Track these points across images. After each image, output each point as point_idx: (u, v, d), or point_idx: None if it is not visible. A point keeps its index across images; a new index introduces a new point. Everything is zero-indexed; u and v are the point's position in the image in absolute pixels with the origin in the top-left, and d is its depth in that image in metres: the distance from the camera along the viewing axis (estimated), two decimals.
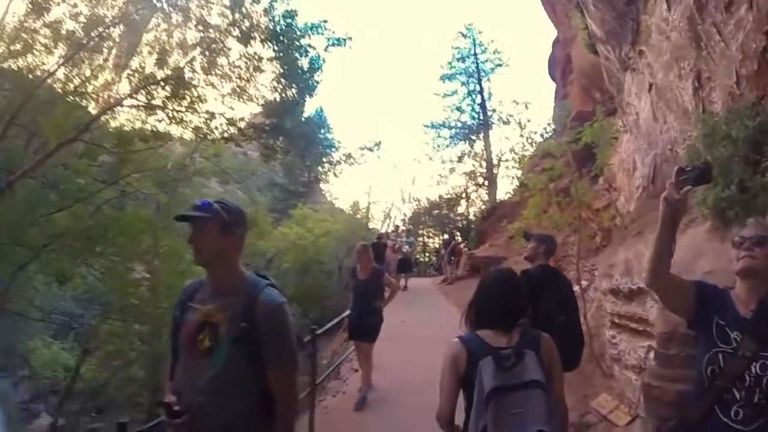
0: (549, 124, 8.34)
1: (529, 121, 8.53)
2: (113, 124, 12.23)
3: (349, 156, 26.46)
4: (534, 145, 8.45)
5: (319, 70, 12.66)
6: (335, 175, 35.19)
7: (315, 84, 12.80)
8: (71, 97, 11.08)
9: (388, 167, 62.05)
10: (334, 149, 34.37)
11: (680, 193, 2.08)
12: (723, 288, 2.27)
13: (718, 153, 4.02)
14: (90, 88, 11.50)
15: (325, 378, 7.56)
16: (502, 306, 2.49)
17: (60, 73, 11.36)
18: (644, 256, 5.03)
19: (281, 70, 11.91)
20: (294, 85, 12.31)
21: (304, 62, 12.12)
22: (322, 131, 34.32)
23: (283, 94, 12.33)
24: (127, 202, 13.74)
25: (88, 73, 11.80)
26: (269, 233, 21.18)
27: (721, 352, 2.05)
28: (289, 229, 22.65)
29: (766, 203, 3.62)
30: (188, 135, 12.94)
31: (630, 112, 7.62)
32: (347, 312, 7.41)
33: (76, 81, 11.52)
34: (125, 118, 12.24)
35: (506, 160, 30.59)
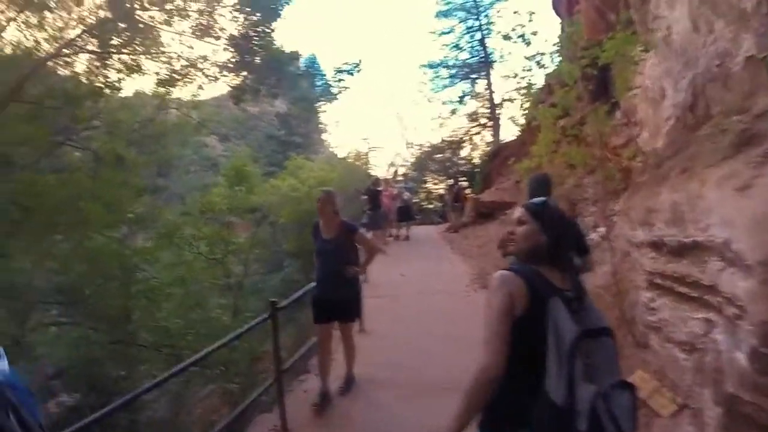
0: (554, 54, 7.11)
1: (534, 33, 7.50)
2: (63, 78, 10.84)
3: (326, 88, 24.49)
4: (541, 67, 6.90)
5: None
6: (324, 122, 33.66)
7: (281, 6, 11.32)
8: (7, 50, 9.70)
9: (390, 114, 60.68)
10: (332, 97, 32.78)
11: None
12: None
13: None
14: (31, 40, 10.05)
15: (299, 358, 6.15)
16: (567, 241, 2.21)
17: None
18: (701, 198, 3.79)
19: None
20: (256, 13, 10.76)
21: None
22: (317, 79, 32.71)
23: (246, 23, 10.84)
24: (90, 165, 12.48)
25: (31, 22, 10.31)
26: (259, 186, 20.08)
27: None
28: (282, 181, 21.53)
29: None
30: (148, 85, 11.69)
31: (658, 27, 6.29)
32: (312, 285, 5.60)
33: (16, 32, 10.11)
34: (77, 70, 10.85)
35: (508, 99, 28.96)
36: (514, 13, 7.19)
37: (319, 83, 32.59)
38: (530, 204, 2.25)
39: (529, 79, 7.13)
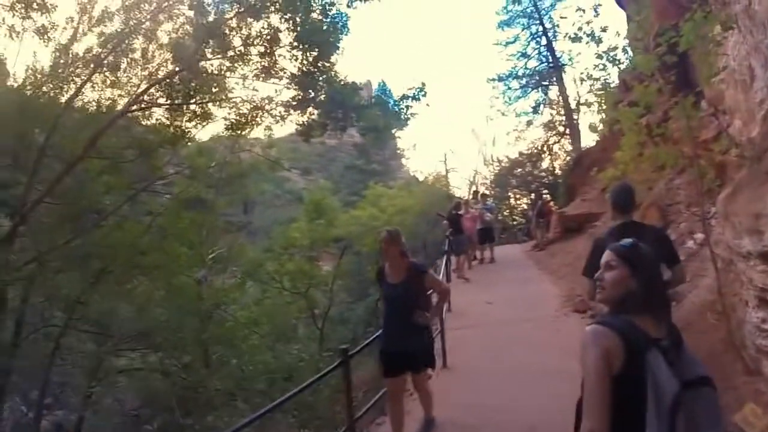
0: (626, 47, 6.48)
1: (604, 30, 6.91)
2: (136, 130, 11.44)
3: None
4: (616, 64, 6.26)
5: (345, 29, 11.28)
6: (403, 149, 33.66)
7: (338, 42, 11.32)
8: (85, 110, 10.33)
9: (465, 132, 60.08)
10: (402, 123, 32.79)
11: None
12: None
13: None
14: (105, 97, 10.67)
15: (368, 410, 5.59)
16: (659, 285, 2.06)
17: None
18: None
19: (296, 34, 10.52)
20: (315, 49, 10.81)
21: (323, 22, 10.68)
22: (387, 107, 32.89)
23: (305, 61, 10.91)
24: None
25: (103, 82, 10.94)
26: (338, 219, 20.23)
27: None
28: (363, 211, 21.65)
29: None
30: (216, 129, 12.05)
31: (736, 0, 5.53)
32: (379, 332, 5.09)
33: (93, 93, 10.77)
34: (150, 122, 11.39)
35: (585, 103, 27.67)
36: (577, 10, 6.63)
37: (389, 110, 32.79)
38: (618, 246, 2.07)
39: (605, 78, 6.49)
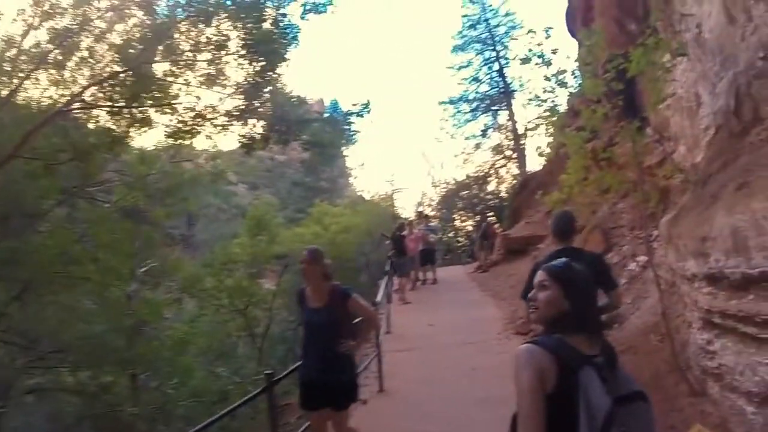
0: (576, 71, 6.60)
1: (554, 52, 6.98)
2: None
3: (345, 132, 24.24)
4: (565, 87, 6.22)
5: (295, 40, 11.10)
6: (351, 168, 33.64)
7: (286, 52, 11.10)
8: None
9: (415, 154, 60.81)
10: (351, 140, 32.79)
11: None
12: None
13: None
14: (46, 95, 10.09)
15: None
16: (594, 306, 2.11)
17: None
18: None
19: (245, 43, 10.25)
20: (262, 58, 10.54)
21: (273, 32, 10.45)
22: (334, 124, 32.85)
23: (251, 71, 10.63)
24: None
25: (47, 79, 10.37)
26: (281, 236, 19.79)
27: None
28: (306, 228, 21.29)
29: None
30: (156, 137, 11.56)
31: (686, 27, 5.69)
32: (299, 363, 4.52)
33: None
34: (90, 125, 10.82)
35: (533, 128, 28.30)
36: (529, 32, 6.62)
37: (338, 127, 32.71)
38: (551, 267, 2.07)
39: (553, 101, 6.48)
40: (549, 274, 2.02)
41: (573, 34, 16.71)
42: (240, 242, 20.24)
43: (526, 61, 6.50)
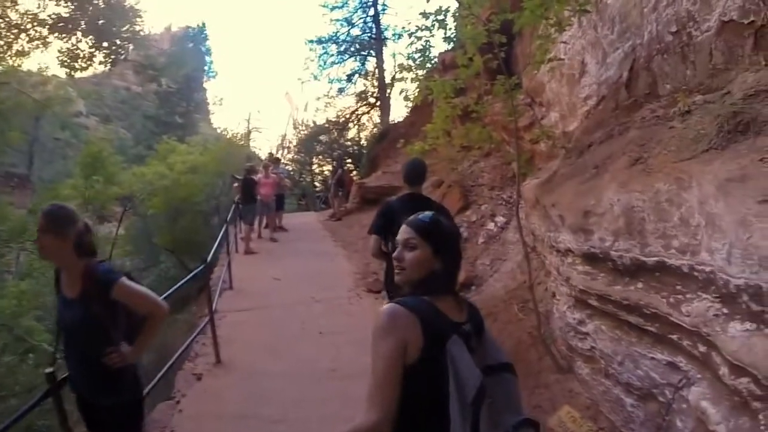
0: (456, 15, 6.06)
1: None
2: None
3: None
4: (442, 27, 5.56)
5: None
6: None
7: None
8: None
9: (280, 93, 58.32)
10: (213, 74, 30.37)
11: None
12: None
13: None
14: None
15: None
16: (458, 266, 1.91)
17: None
18: (674, 203, 2.84)
19: None
20: None
21: None
22: (204, 54, 30.13)
23: None
24: None
25: None
26: (120, 176, 17.75)
27: None
28: (148, 168, 19.30)
29: None
30: None
31: None
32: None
33: None
34: None
35: (400, 78, 28.00)
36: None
37: (199, 58, 30.14)
38: (419, 222, 1.86)
39: (427, 40, 5.84)
40: (417, 231, 1.83)
41: None
42: (72, 183, 17.81)
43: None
